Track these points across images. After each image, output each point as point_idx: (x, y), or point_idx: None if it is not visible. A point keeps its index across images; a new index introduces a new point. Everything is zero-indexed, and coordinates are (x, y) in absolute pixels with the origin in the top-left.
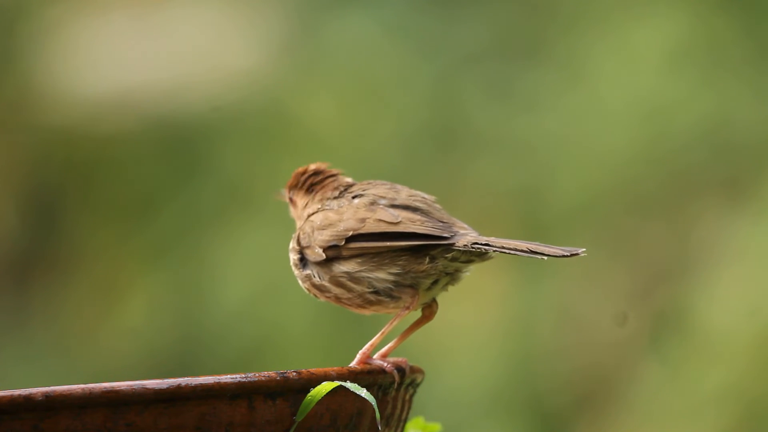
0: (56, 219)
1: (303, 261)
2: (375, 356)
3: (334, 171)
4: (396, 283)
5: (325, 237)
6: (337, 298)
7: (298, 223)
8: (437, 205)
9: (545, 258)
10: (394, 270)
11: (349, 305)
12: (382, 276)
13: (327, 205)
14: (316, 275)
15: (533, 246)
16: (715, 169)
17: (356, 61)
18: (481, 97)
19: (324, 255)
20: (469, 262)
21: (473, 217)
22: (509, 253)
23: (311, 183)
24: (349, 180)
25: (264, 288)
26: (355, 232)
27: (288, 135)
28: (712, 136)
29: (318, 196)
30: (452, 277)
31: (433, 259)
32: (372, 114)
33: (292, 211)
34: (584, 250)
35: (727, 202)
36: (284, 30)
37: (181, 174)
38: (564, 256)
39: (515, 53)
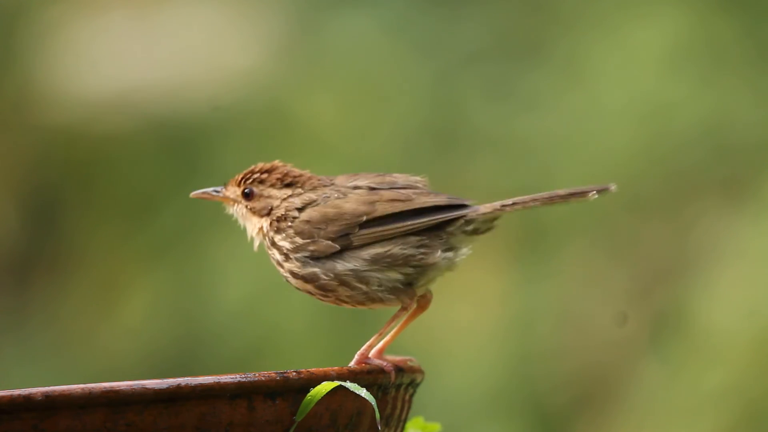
0: (56, 219)
1: (305, 261)
2: (372, 352)
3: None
4: (404, 282)
5: (334, 228)
6: (338, 298)
7: (258, 222)
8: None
9: (582, 197)
10: (408, 270)
11: (349, 302)
12: (394, 275)
13: (322, 197)
14: (322, 275)
15: (561, 192)
16: (715, 169)
17: (356, 60)
18: (481, 96)
19: (338, 246)
20: (476, 233)
21: None
22: (541, 205)
23: (293, 177)
24: (323, 177)
25: (264, 288)
26: (369, 217)
27: (288, 135)
28: (711, 135)
29: (307, 187)
30: (450, 261)
31: (449, 236)
32: (372, 114)
33: (247, 207)
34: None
35: (727, 202)
36: (284, 30)
37: (181, 174)
38: (595, 191)
39: (515, 53)
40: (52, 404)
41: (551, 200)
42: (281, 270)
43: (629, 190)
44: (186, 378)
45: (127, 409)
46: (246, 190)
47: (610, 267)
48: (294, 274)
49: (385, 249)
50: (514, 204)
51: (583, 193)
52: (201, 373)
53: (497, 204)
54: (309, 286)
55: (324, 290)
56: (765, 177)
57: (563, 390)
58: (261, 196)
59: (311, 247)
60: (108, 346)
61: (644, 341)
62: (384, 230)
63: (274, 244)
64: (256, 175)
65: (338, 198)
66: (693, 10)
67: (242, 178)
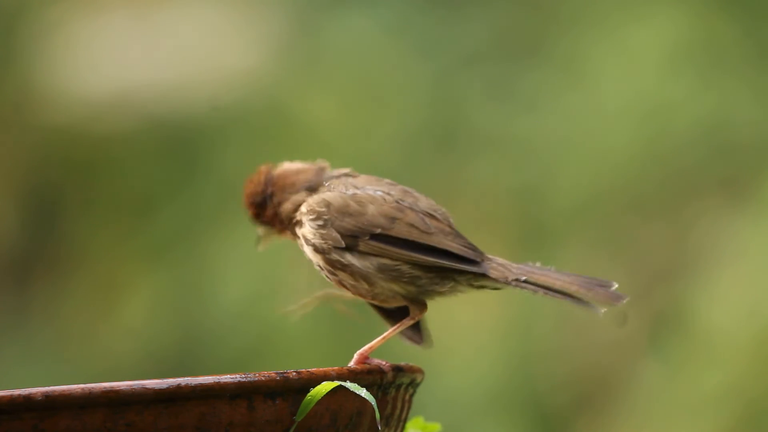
0: (56, 219)
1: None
2: (363, 349)
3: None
4: (405, 296)
5: (347, 224)
6: (341, 282)
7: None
8: (450, 219)
9: (598, 313)
10: (411, 288)
11: (351, 290)
12: (396, 288)
13: (333, 187)
14: (333, 251)
15: (581, 283)
16: (715, 169)
17: (356, 61)
18: (481, 97)
19: (343, 242)
20: (482, 288)
21: (473, 217)
22: (553, 296)
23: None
24: (321, 165)
25: (264, 287)
26: (384, 231)
27: (288, 135)
28: (711, 135)
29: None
30: (455, 291)
31: (456, 282)
32: (372, 114)
33: (274, 228)
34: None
35: (727, 202)
36: (284, 30)
37: (182, 174)
38: (613, 303)
39: (515, 53)
40: (52, 404)
41: (562, 296)
42: (299, 240)
43: (629, 190)
44: (186, 378)
45: (127, 409)
46: (256, 216)
47: (610, 267)
48: (306, 240)
49: (394, 263)
50: (525, 282)
51: (594, 306)
52: (201, 373)
53: (509, 276)
54: (319, 257)
55: (332, 266)
56: (765, 177)
57: (563, 390)
58: (281, 202)
59: (322, 230)
60: (108, 346)
61: (644, 341)
62: (392, 251)
63: (292, 223)
64: (250, 200)
65: (354, 195)
66: (693, 11)
67: (249, 210)
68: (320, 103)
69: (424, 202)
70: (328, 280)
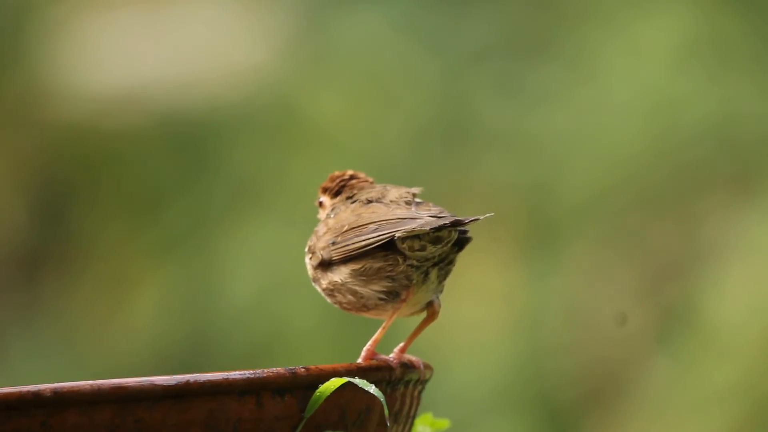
0: (65, 215)
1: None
2: (395, 351)
3: (368, 178)
4: (388, 293)
5: (321, 243)
6: (340, 303)
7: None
8: (417, 199)
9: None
10: (387, 283)
11: (350, 309)
12: (377, 288)
13: (333, 212)
14: (321, 278)
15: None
16: (723, 165)
17: (365, 57)
18: (490, 93)
19: (321, 258)
20: (451, 244)
21: (481, 213)
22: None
23: (341, 186)
24: (369, 185)
25: (273, 284)
26: (339, 232)
27: (296, 132)
28: (719, 131)
29: (337, 199)
30: (440, 267)
31: (418, 240)
32: (380, 111)
33: (320, 214)
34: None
35: (735, 198)
36: (292, 27)
37: (190, 170)
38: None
39: (524, 50)
40: (61, 400)
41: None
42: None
43: (637, 186)
44: (195, 374)
45: (135, 405)
46: (320, 200)
47: (618, 263)
48: (310, 276)
49: (360, 265)
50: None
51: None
52: (210, 369)
53: (426, 224)
54: (318, 287)
55: (330, 293)
56: None
57: (571, 386)
58: (323, 204)
59: (313, 257)
60: (117, 342)
61: (652, 337)
62: (349, 244)
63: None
64: (325, 182)
65: (336, 215)
66: (700, 8)
67: (322, 187)
68: (328, 100)
69: (395, 192)
70: (335, 306)
